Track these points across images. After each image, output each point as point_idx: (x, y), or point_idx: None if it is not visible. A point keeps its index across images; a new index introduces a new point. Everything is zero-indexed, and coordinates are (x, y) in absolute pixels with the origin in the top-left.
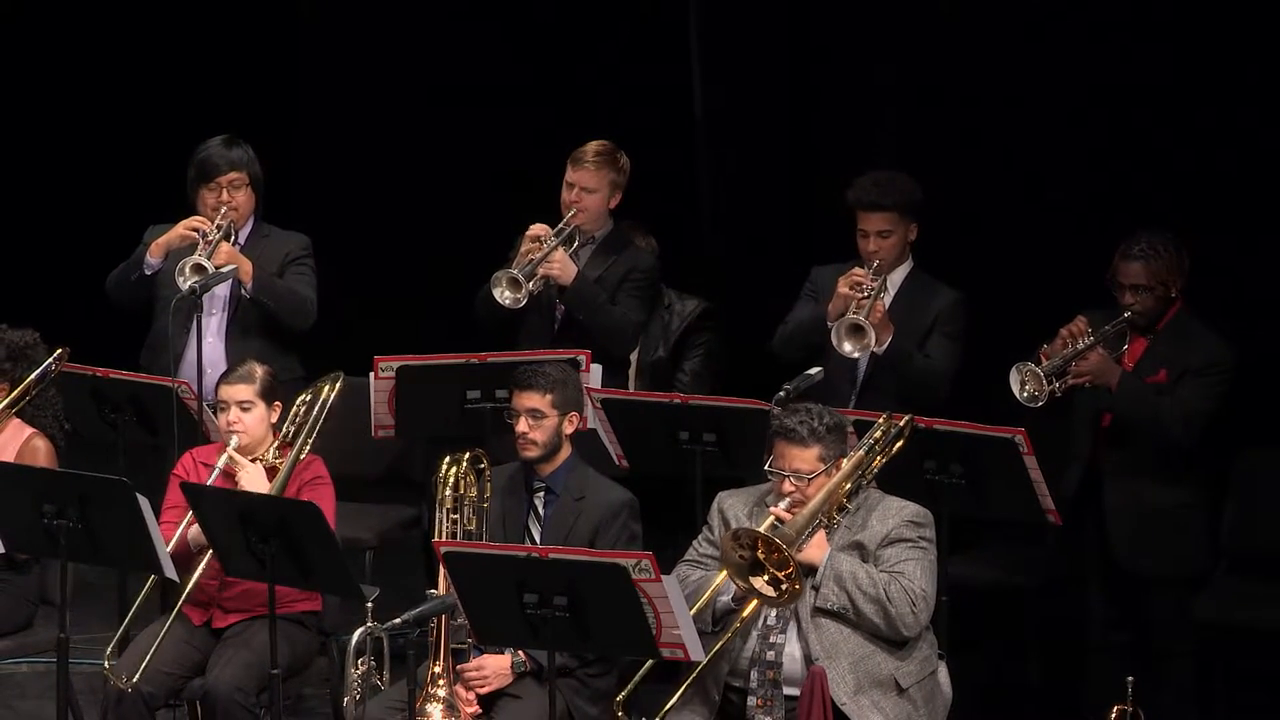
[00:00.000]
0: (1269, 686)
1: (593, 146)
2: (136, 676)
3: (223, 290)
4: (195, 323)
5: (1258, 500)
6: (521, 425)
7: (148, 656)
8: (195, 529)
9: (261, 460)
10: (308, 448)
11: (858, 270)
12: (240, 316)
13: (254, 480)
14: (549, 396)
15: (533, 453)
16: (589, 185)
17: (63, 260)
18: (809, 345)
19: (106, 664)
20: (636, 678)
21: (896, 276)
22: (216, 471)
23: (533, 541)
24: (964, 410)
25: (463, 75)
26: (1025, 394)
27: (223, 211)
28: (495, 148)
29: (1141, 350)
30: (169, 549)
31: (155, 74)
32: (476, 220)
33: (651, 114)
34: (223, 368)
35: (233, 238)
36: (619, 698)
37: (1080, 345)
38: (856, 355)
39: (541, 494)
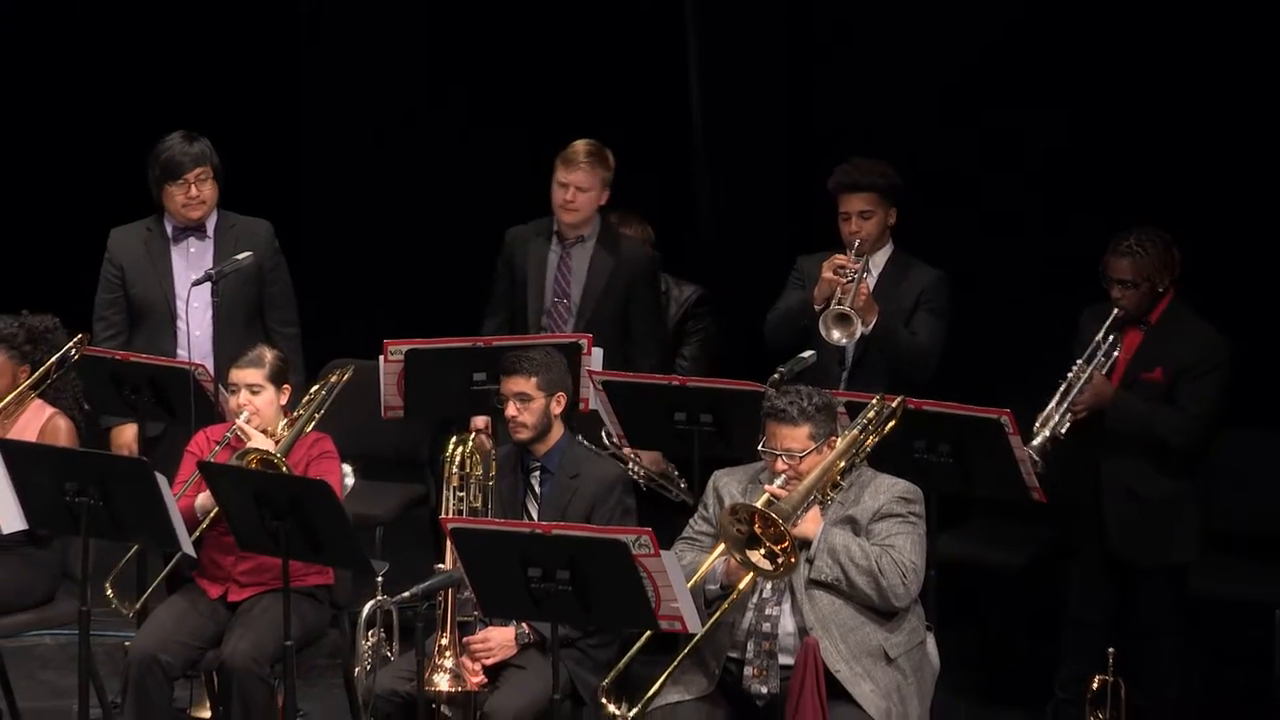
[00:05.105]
0: (1246, 659)
1: (583, 146)
2: (139, 604)
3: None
4: (211, 310)
5: (1239, 480)
6: (511, 409)
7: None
8: (203, 496)
9: (271, 437)
10: (314, 421)
11: (839, 256)
12: (228, 310)
13: (261, 444)
14: (534, 379)
15: (524, 435)
16: (583, 185)
17: (82, 249)
18: (797, 329)
19: (109, 589)
20: (622, 663)
21: (878, 259)
22: (224, 443)
23: (530, 519)
24: (952, 392)
25: (463, 67)
26: (1038, 443)
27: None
28: (495, 143)
29: (1137, 344)
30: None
31: (169, 66)
32: (477, 215)
33: (649, 102)
34: (210, 354)
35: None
36: (604, 682)
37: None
38: (845, 343)
39: (537, 473)
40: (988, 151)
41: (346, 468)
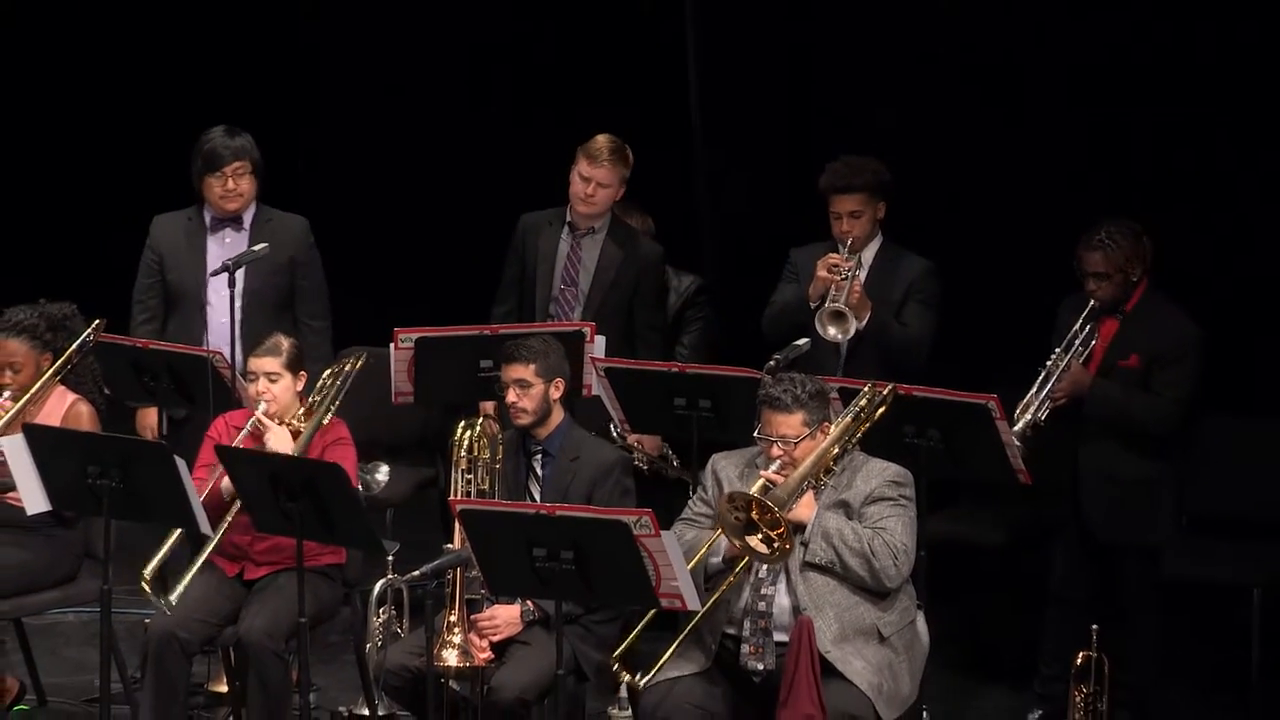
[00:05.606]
0: (1226, 640)
1: (607, 143)
2: (173, 596)
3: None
4: (231, 299)
5: (1219, 464)
6: (511, 395)
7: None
8: (227, 481)
9: (288, 425)
10: (330, 414)
11: (833, 255)
12: (256, 300)
13: (279, 441)
14: (533, 366)
15: (524, 420)
16: (604, 181)
17: (98, 238)
18: (794, 324)
19: (144, 580)
20: (633, 634)
21: (868, 253)
22: (244, 432)
23: (532, 500)
24: (941, 378)
25: (466, 61)
26: (1019, 429)
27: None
28: (499, 136)
29: (1113, 332)
30: (201, 498)
31: (188, 59)
32: (483, 206)
33: (649, 94)
34: (229, 340)
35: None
36: (616, 653)
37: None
38: (840, 339)
39: (539, 456)
40: (987, 151)
41: (383, 466)
